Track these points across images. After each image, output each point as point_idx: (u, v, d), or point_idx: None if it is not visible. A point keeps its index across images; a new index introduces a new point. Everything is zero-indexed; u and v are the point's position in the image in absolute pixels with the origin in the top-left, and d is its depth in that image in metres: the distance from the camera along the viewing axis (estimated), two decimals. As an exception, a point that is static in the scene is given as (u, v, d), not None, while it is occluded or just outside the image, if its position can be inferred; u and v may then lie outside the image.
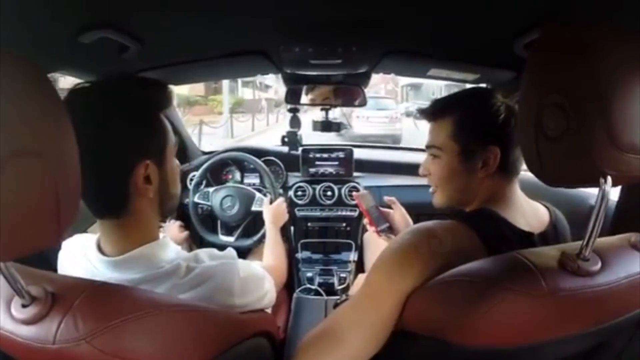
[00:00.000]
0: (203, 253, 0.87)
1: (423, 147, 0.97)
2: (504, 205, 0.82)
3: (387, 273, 0.73)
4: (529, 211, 0.86)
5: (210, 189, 1.92)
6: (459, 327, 0.63)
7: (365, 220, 1.32)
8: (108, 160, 0.72)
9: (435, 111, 0.93)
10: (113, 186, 0.74)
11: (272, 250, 1.44)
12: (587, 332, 0.62)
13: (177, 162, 0.87)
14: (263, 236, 1.65)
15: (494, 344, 0.62)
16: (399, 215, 1.32)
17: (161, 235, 0.84)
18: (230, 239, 1.86)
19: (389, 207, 1.36)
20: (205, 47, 1.32)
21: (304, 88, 1.77)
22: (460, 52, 1.31)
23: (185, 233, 1.78)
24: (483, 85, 1.48)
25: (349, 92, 1.75)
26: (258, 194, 1.87)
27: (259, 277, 0.97)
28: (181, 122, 2.12)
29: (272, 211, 1.65)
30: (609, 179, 0.56)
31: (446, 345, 0.64)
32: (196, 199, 1.91)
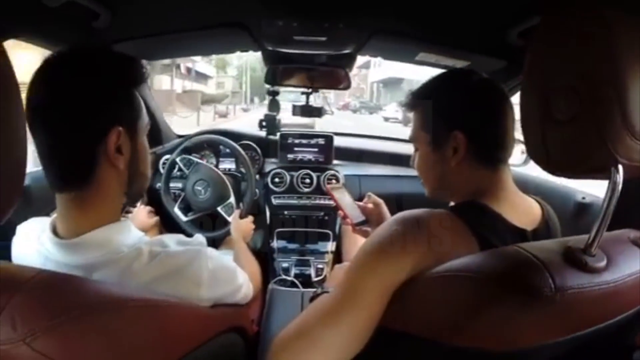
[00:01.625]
0: (169, 237, 0.81)
1: (405, 137, 0.95)
2: (493, 199, 0.78)
3: (370, 267, 0.67)
4: (521, 206, 0.82)
5: (185, 172, 1.82)
6: (456, 328, 0.59)
7: (340, 214, 1.27)
8: (79, 122, 0.68)
9: (410, 103, 0.91)
10: (81, 151, 0.70)
11: (241, 257, 1.34)
12: (591, 331, 0.60)
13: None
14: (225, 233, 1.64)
15: (493, 347, 0.58)
16: (378, 208, 1.26)
17: (124, 216, 0.79)
18: (183, 217, 1.78)
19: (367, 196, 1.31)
20: (181, 18, 1.24)
21: (282, 69, 1.68)
22: (452, 36, 1.26)
23: (155, 219, 1.70)
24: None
25: (332, 74, 1.67)
26: (232, 199, 1.76)
27: (230, 269, 0.91)
28: (154, 103, 2.00)
29: (242, 225, 1.57)
30: (621, 169, 0.53)
31: (438, 346, 0.60)
32: (170, 182, 1.82)
